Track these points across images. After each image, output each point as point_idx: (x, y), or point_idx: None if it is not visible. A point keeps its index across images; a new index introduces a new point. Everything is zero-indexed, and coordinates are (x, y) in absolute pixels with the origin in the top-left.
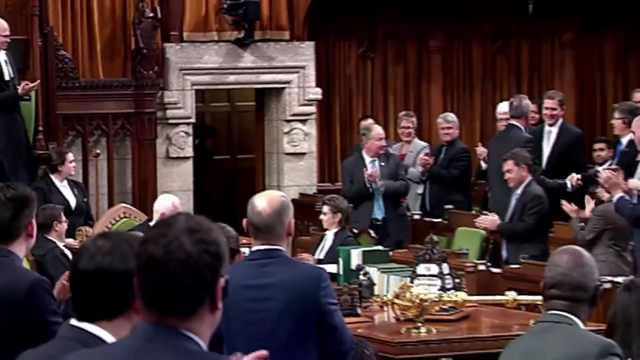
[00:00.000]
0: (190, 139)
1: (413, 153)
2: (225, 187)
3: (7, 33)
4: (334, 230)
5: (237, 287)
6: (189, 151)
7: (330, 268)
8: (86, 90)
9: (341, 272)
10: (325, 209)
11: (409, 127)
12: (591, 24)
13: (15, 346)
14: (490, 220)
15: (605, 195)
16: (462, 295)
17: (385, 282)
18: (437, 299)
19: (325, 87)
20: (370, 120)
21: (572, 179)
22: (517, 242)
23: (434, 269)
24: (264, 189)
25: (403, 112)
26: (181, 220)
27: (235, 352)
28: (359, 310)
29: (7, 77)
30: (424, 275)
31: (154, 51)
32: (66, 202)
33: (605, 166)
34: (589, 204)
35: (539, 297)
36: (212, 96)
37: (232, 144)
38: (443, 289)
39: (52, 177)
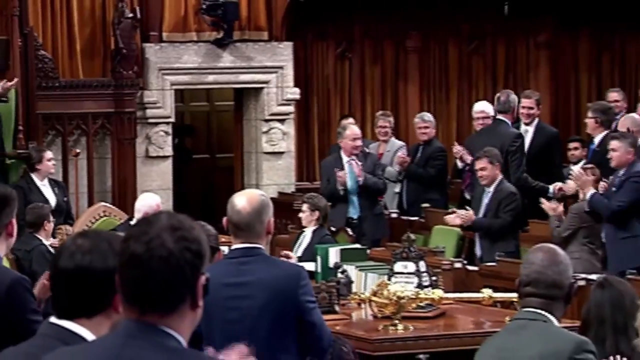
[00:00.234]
0: (170, 138)
1: (390, 152)
2: (205, 186)
3: None
4: (312, 228)
5: (217, 285)
6: (168, 150)
7: (309, 266)
8: (66, 90)
9: (319, 270)
10: (304, 207)
11: (386, 127)
12: (566, 25)
13: None
14: (467, 215)
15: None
16: (438, 293)
17: (362, 280)
18: (414, 297)
19: (304, 87)
20: (350, 120)
21: (556, 188)
22: (491, 239)
23: (411, 266)
24: (242, 188)
25: (380, 112)
26: (163, 218)
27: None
28: (337, 308)
29: None
30: (401, 273)
31: (133, 51)
32: (46, 201)
33: (579, 165)
34: (545, 203)
35: (515, 295)
36: (191, 96)
37: (211, 144)
38: (420, 286)
39: (33, 176)
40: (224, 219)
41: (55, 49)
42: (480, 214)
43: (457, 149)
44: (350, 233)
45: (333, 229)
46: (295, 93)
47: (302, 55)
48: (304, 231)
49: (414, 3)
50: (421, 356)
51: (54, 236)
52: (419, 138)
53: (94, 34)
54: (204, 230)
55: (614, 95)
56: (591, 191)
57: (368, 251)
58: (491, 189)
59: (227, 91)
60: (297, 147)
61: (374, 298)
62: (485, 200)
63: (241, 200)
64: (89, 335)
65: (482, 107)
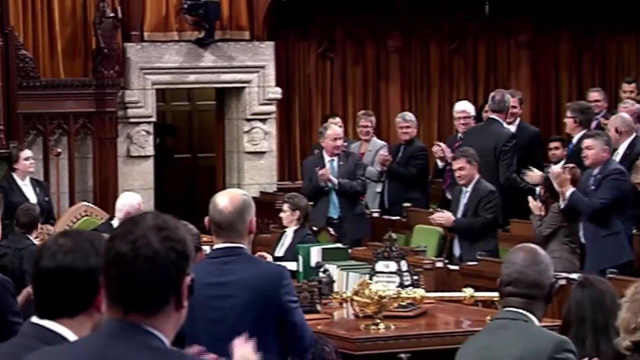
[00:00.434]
0: (151, 137)
1: (372, 152)
2: (186, 186)
3: None
4: (294, 227)
5: (199, 284)
6: (149, 150)
7: (290, 265)
8: (47, 90)
9: (301, 269)
10: (285, 206)
11: (367, 126)
12: (546, 25)
13: None
14: (445, 216)
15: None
16: (420, 292)
17: (344, 279)
18: (395, 296)
19: (285, 86)
20: (336, 119)
21: (542, 189)
22: (471, 238)
23: (392, 266)
24: (224, 188)
25: (362, 111)
26: (149, 218)
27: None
28: (319, 307)
29: None
30: (383, 273)
31: (114, 51)
32: (27, 201)
33: (560, 164)
34: (532, 203)
35: (496, 294)
36: (172, 95)
37: (192, 143)
38: (401, 285)
39: (14, 175)
40: (206, 219)
41: (36, 49)
42: (459, 214)
43: (437, 148)
44: (332, 232)
45: (315, 228)
46: (276, 93)
47: (283, 55)
48: (285, 231)
49: (395, 3)
50: (402, 355)
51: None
52: (401, 138)
53: (75, 33)
54: (187, 229)
55: (594, 95)
56: (570, 189)
57: (349, 250)
58: (469, 188)
59: (209, 91)
60: (279, 146)
61: (355, 297)
62: (464, 200)
63: (223, 200)
64: (71, 335)
65: (463, 107)
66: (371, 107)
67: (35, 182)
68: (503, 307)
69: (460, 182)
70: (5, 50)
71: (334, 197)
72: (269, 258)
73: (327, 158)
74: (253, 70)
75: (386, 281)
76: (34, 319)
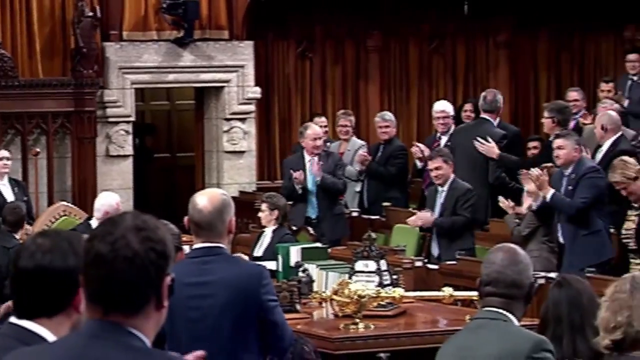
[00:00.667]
0: (130, 137)
1: (351, 151)
2: (165, 186)
3: None
4: (273, 227)
5: (179, 284)
6: (128, 149)
7: (270, 265)
8: (25, 89)
9: (280, 269)
10: (263, 206)
11: (347, 126)
12: (525, 25)
13: None
14: (425, 216)
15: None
16: (399, 292)
17: (324, 279)
18: (375, 295)
19: (265, 86)
20: (322, 119)
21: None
22: (451, 237)
23: (372, 265)
24: (203, 187)
25: (341, 111)
26: (128, 218)
27: (178, 350)
28: (298, 307)
29: None
30: (362, 272)
31: (93, 50)
32: (5, 201)
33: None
34: (526, 201)
35: (475, 293)
36: (151, 95)
37: (171, 143)
38: (381, 285)
39: None
40: (186, 219)
41: (15, 48)
42: (436, 214)
43: (415, 149)
44: (311, 232)
45: (294, 228)
46: (256, 92)
47: (262, 55)
48: (264, 231)
49: (375, 3)
50: (382, 355)
51: None
52: (380, 137)
53: (54, 33)
54: (167, 229)
55: (573, 94)
56: (551, 191)
57: (329, 250)
58: (445, 187)
59: (188, 90)
60: (258, 146)
61: (335, 297)
62: (440, 199)
63: (202, 200)
64: (49, 336)
65: (443, 107)
66: (350, 107)
67: (13, 182)
68: (482, 307)
69: (436, 181)
70: None
71: (312, 198)
72: (246, 258)
73: (307, 157)
74: (232, 70)
75: (365, 280)
76: (13, 319)
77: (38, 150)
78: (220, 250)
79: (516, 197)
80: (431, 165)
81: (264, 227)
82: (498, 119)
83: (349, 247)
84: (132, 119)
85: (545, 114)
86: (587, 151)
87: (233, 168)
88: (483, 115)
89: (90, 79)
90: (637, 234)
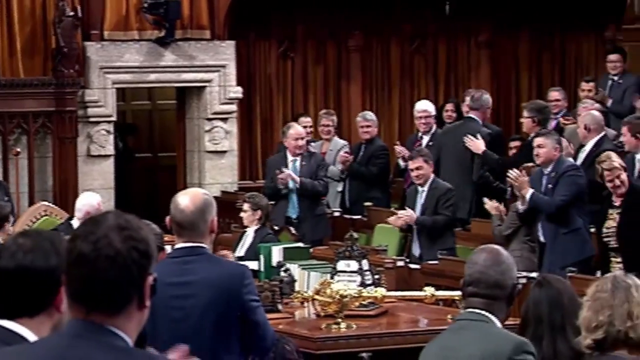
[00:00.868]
0: (112, 137)
1: (333, 151)
2: (147, 185)
3: None
4: (255, 227)
5: (160, 284)
6: (110, 149)
7: (251, 265)
8: (6, 89)
9: (262, 268)
10: (246, 206)
11: (329, 125)
12: (506, 25)
13: None
14: (409, 215)
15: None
16: (381, 291)
17: (305, 279)
18: (356, 295)
19: (246, 86)
20: (307, 119)
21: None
22: (432, 237)
23: (353, 265)
24: (185, 187)
25: (323, 111)
26: (110, 218)
27: (160, 350)
28: (280, 307)
29: None
30: (344, 272)
31: (74, 50)
32: None
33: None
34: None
35: (457, 293)
36: (133, 94)
37: (153, 142)
38: (363, 285)
39: None
40: (167, 218)
41: None
42: (417, 214)
43: (400, 148)
44: (293, 232)
45: (276, 227)
46: (237, 92)
47: (244, 54)
48: (246, 231)
49: (356, 3)
50: (364, 354)
51: None
52: (361, 137)
53: (35, 32)
54: (149, 229)
55: (554, 94)
56: (530, 191)
57: (311, 250)
58: (425, 187)
59: (169, 90)
60: (240, 146)
61: (316, 297)
62: (421, 199)
63: (184, 200)
64: (31, 335)
65: (424, 107)
66: (332, 107)
67: None
68: (465, 308)
69: (417, 181)
70: None
71: (293, 197)
72: (231, 257)
73: (290, 158)
74: (214, 70)
75: (347, 280)
76: None
77: (19, 150)
78: (202, 250)
79: (500, 196)
80: (412, 165)
81: (246, 227)
82: (483, 119)
83: (330, 247)
84: (114, 118)
85: (525, 113)
86: (571, 147)
87: (215, 168)
88: (470, 113)
89: (71, 79)
90: (618, 232)
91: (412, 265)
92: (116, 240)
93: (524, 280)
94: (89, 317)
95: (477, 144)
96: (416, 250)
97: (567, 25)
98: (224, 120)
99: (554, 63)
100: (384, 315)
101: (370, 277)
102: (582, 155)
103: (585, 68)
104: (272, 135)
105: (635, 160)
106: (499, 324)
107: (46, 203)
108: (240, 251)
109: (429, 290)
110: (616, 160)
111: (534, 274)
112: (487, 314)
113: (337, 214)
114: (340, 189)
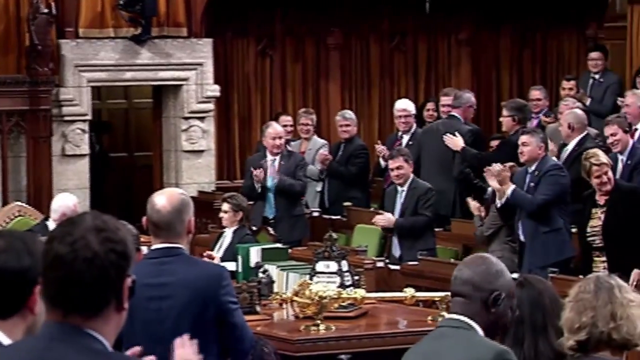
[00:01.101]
0: (87, 136)
1: (312, 150)
2: (123, 185)
3: None
4: (233, 228)
5: (137, 285)
6: (85, 149)
7: (229, 266)
8: None
9: (240, 269)
10: (226, 207)
11: (308, 124)
12: (487, 22)
13: None
14: (386, 217)
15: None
16: (361, 292)
17: (284, 280)
18: (336, 296)
19: (224, 84)
20: (288, 118)
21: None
22: (412, 237)
23: (333, 266)
24: (162, 187)
25: (303, 109)
26: (88, 219)
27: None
28: (258, 308)
29: None
30: (323, 273)
31: (49, 47)
32: None
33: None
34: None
35: (437, 294)
36: (108, 93)
37: (129, 142)
38: (342, 286)
39: None
40: (144, 219)
41: None
42: (396, 214)
43: (380, 147)
44: (272, 232)
45: (254, 228)
46: (215, 90)
47: (222, 52)
48: (224, 231)
49: (335, 0)
50: (343, 357)
51: None
52: (340, 136)
53: (8, 29)
54: (127, 230)
55: (535, 93)
56: (511, 187)
57: (289, 251)
58: (405, 187)
59: (146, 88)
60: (217, 145)
61: (295, 298)
62: (400, 200)
63: (161, 200)
64: (4, 338)
65: (404, 106)
66: (311, 105)
67: None
68: (448, 314)
69: (397, 181)
70: None
71: (270, 197)
72: (217, 259)
73: (269, 157)
74: (191, 68)
75: (327, 281)
76: None
77: None
78: (179, 251)
79: (480, 194)
80: (392, 164)
81: (224, 227)
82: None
83: (309, 248)
84: (89, 117)
85: (505, 112)
86: (553, 146)
87: (192, 167)
88: (452, 112)
89: (45, 77)
90: (603, 231)
91: (392, 266)
92: (94, 242)
93: None
94: (66, 319)
95: (456, 141)
96: (396, 251)
97: (548, 23)
98: (201, 119)
99: (535, 61)
100: (363, 317)
101: (349, 278)
102: (564, 154)
103: (566, 66)
104: (250, 134)
105: (619, 159)
106: (480, 332)
107: (20, 203)
108: (219, 252)
109: (409, 292)
110: (604, 157)
111: (514, 275)
112: (467, 320)
113: (316, 214)
114: (319, 188)
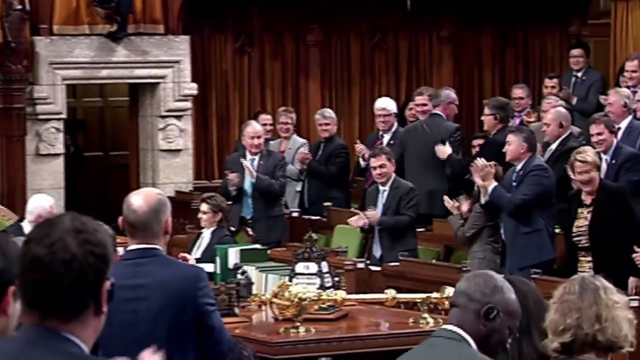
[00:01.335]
0: (61, 135)
1: (292, 150)
2: (98, 185)
3: None
4: (212, 228)
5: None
6: (59, 148)
7: (208, 267)
8: None
9: (218, 271)
10: (205, 207)
11: (287, 123)
12: (469, 20)
13: None
14: (372, 214)
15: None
16: (341, 294)
17: (263, 281)
18: (316, 298)
19: (201, 82)
20: (267, 117)
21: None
22: (394, 237)
23: (312, 267)
24: (138, 187)
25: (282, 108)
26: (66, 221)
27: (113, 356)
28: (237, 310)
29: None
30: (303, 274)
31: (22, 45)
32: None
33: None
34: (463, 204)
35: (418, 295)
36: (83, 91)
37: (105, 141)
38: (322, 287)
39: None
40: (120, 219)
41: None
42: (379, 213)
43: (360, 147)
44: (250, 233)
45: (232, 228)
46: (192, 88)
47: (199, 50)
48: (202, 232)
49: None
50: (323, 359)
51: None
52: (320, 135)
53: None
54: (107, 232)
55: (518, 92)
56: (493, 184)
57: (269, 252)
58: (387, 187)
59: (122, 86)
60: (195, 144)
61: (274, 300)
62: (382, 199)
63: (137, 200)
64: None
65: (383, 105)
66: (290, 104)
67: None
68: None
69: (379, 179)
70: None
71: (247, 198)
72: (192, 260)
73: (248, 156)
74: (168, 65)
75: (306, 283)
76: None
77: None
78: (156, 252)
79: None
80: (375, 162)
81: (202, 228)
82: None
83: (289, 249)
84: (64, 116)
85: (486, 110)
86: (540, 145)
87: (169, 167)
88: (434, 110)
89: (19, 75)
90: (590, 231)
91: (373, 267)
92: (72, 244)
93: None
94: (43, 322)
95: (443, 150)
96: (377, 252)
97: (531, 20)
98: (179, 117)
99: (518, 59)
100: (344, 319)
101: (329, 279)
102: (547, 154)
103: (549, 64)
104: (228, 133)
105: (603, 159)
106: (473, 344)
107: None
108: (196, 253)
109: (390, 293)
110: (592, 156)
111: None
112: (460, 331)
113: (295, 214)
114: (299, 188)
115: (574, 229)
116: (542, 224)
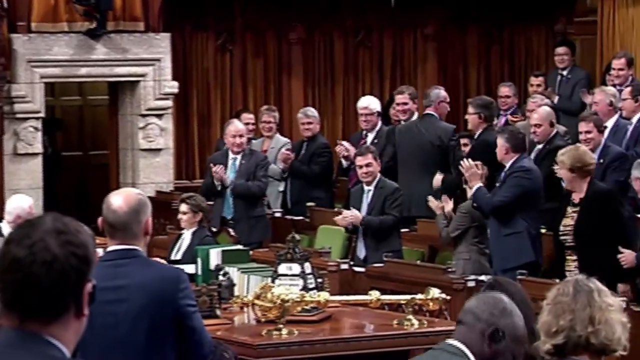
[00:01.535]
0: (40, 134)
1: (274, 149)
2: (77, 185)
3: None
4: (192, 229)
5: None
6: (38, 147)
7: (189, 268)
8: None
9: (200, 272)
10: (185, 208)
11: (270, 122)
12: (453, 17)
13: None
14: (354, 215)
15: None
16: (324, 295)
17: (245, 283)
18: (299, 300)
19: (182, 80)
20: (250, 115)
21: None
22: (378, 238)
23: (295, 268)
24: (118, 187)
25: (265, 107)
26: (48, 221)
27: (92, 358)
28: (219, 312)
29: None
30: (286, 275)
31: (0, 42)
32: None
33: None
34: (447, 203)
35: (403, 297)
36: (62, 90)
37: (84, 140)
38: (305, 288)
39: None
40: (99, 220)
41: None
42: (363, 212)
43: (340, 148)
44: (232, 233)
45: (214, 229)
46: (173, 87)
47: (180, 47)
48: (182, 233)
49: None
50: None
51: None
52: (303, 134)
53: None
54: (88, 233)
55: (505, 90)
56: (477, 184)
57: (251, 253)
58: (372, 187)
59: (101, 85)
60: (176, 143)
61: (257, 301)
62: (367, 199)
63: (117, 200)
64: None
65: (366, 104)
66: (273, 102)
67: None
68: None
69: (365, 179)
70: None
71: (228, 197)
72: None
73: (231, 155)
74: (148, 63)
75: (289, 284)
76: None
77: None
78: (136, 253)
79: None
80: (361, 161)
81: (182, 228)
82: (416, 114)
83: (271, 250)
84: (42, 115)
85: (470, 109)
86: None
87: (149, 167)
88: (427, 110)
89: None
90: (575, 230)
91: (357, 268)
92: (53, 245)
93: (472, 284)
94: (23, 325)
95: (438, 180)
96: (361, 252)
97: (516, 18)
98: (159, 116)
99: (503, 57)
100: (327, 321)
101: (313, 280)
102: (533, 154)
103: (535, 62)
104: (209, 132)
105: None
106: None
107: None
108: (177, 254)
109: (374, 295)
110: (561, 157)
111: (483, 277)
112: (463, 347)
113: (278, 214)
114: (281, 188)
115: (561, 228)
116: (523, 226)
